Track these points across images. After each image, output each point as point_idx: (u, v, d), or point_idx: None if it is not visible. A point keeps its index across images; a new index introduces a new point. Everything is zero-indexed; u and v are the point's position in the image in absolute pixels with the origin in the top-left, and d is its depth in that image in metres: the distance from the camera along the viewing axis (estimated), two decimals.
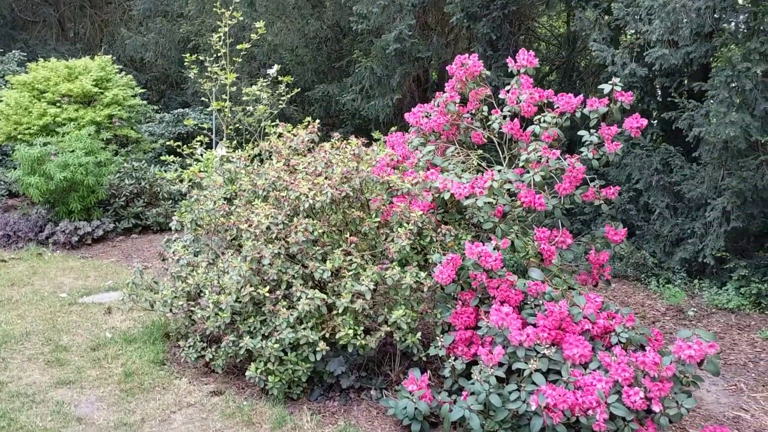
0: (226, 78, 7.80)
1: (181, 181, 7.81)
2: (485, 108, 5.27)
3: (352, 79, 10.95)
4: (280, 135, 5.25)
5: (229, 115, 7.76)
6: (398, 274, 3.84)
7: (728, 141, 5.49)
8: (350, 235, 4.10)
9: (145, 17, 17.80)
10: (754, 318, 5.57)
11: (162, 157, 7.93)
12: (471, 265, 3.79)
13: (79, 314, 5.81)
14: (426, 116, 5.10)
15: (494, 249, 3.80)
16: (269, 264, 4.04)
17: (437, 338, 3.87)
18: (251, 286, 4.12)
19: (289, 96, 8.19)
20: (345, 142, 5.24)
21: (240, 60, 7.90)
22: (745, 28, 5.52)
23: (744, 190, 5.70)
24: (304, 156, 5.03)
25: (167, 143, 12.72)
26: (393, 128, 5.60)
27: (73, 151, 8.75)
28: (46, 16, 23.43)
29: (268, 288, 4.01)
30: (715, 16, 5.34)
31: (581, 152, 4.35)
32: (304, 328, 3.88)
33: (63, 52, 18.50)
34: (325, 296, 3.87)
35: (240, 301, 4.14)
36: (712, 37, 5.93)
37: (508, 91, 4.67)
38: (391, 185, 4.20)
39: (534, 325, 3.63)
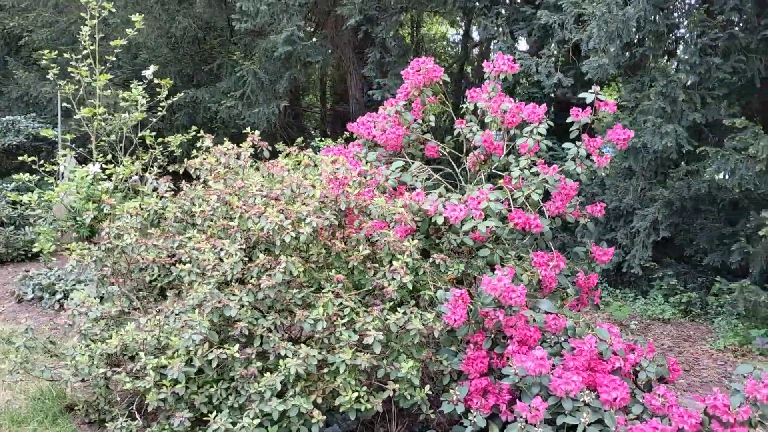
0: (95, 80, 6.52)
1: (47, 206, 6.43)
2: (431, 117, 4.79)
3: (226, 84, 9.95)
4: (207, 149, 4.32)
5: (102, 123, 6.49)
6: (403, 319, 3.19)
7: (663, 151, 5.51)
8: (335, 272, 3.37)
9: None
10: (688, 327, 5.64)
11: (16, 176, 6.46)
12: (490, 302, 3.25)
13: None
14: (382, 130, 4.47)
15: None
16: (237, 315, 3.18)
17: (451, 390, 3.27)
18: (210, 344, 3.23)
19: (169, 101, 7.08)
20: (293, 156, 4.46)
21: (114, 60, 6.65)
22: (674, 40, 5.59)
23: (673, 200, 5.77)
24: (236, 174, 4.18)
25: None
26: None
27: None
28: None
29: (237, 346, 3.15)
30: (652, 26, 5.32)
31: (563, 167, 4.01)
32: (293, 395, 3.08)
33: None
34: (315, 353, 3.10)
35: (193, 365, 3.22)
36: (638, 47, 5.97)
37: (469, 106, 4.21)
38: (376, 210, 3.52)
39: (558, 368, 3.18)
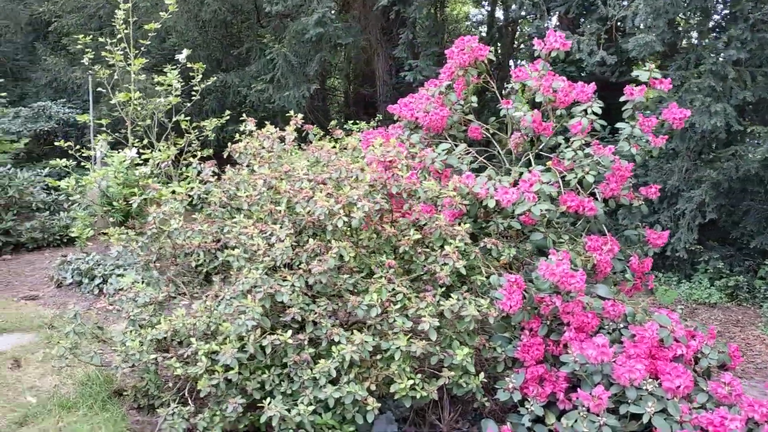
0: (130, 64, 6.49)
1: (83, 191, 6.45)
2: (473, 98, 4.67)
3: (255, 67, 9.89)
4: (251, 133, 4.26)
5: (138, 108, 6.47)
6: (457, 305, 3.12)
7: (712, 131, 5.33)
8: (386, 258, 3.30)
9: None
10: (736, 311, 5.50)
11: (53, 162, 6.49)
12: (547, 288, 3.16)
13: None
14: (425, 112, 4.37)
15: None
16: (289, 301, 3.13)
17: (507, 378, 3.20)
18: (262, 330, 3.19)
19: (203, 85, 7.04)
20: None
21: (148, 43, 6.61)
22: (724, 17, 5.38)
23: (721, 181, 5.60)
24: (279, 158, 4.12)
25: (26, 143, 10.79)
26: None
27: None
28: None
29: (290, 332, 3.11)
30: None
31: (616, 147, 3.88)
32: (347, 382, 3.03)
33: None
34: (369, 339, 3.05)
35: (245, 351, 3.19)
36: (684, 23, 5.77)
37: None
38: (426, 194, 3.44)
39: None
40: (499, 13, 13.09)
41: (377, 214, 3.38)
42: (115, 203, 6.71)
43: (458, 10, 17.85)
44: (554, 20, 9.57)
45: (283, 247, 3.20)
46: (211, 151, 7.20)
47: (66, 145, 6.35)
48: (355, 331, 3.10)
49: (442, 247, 3.34)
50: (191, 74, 6.91)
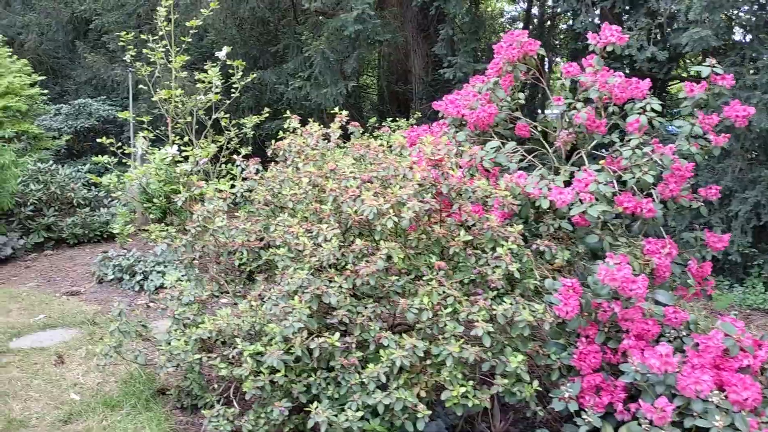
0: (171, 61, 6.49)
1: (123, 188, 6.48)
2: (520, 95, 4.53)
3: (293, 65, 9.86)
4: (294, 130, 4.20)
5: (180, 105, 6.47)
6: (511, 310, 3.00)
7: None
8: (436, 259, 3.19)
9: None
10: None
11: (95, 159, 6.53)
12: (606, 293, 3.02)
13: (21, 367, 4.45)
14: (471, 108, 4.26)
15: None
16: (336, 303, 3.05)
17: (562, 387, 3.07)
18: (308, 332, 3.12)
19: (243, 83, 7.02)
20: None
21: (189, 40, 6.61)
22: None
23: None
24: (323, 156, 4.04)
25: (67, 140, 10.94)
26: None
27: None
28: None
29: (337, 335, 3.03)
30: None
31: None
32: (396, 388, 2.94)
33: None
34: (420, 344, 2.95)
35: (291, 353, 3.12)
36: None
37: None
38: (477, 193, 3.32)
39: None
40: (535, 10, 12.87)
41: (426, 215, 3.28)
42: (155, 200, 6.74)
43: (492, 7, 17.65)
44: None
45: (331, 248, 3.12)
46: (249, 148, 7.19)
47: (108, 142, 6.38)
48: (404, 335, 3.01)
49: (493, 249, 3.22)
50: (230, 72, 6.89)
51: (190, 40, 6.59)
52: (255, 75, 6.74)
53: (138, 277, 6.23)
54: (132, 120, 7.50)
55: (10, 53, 9.45)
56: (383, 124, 6.73)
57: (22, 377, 4.28)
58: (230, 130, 6.67)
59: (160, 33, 6.47)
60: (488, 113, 4.13)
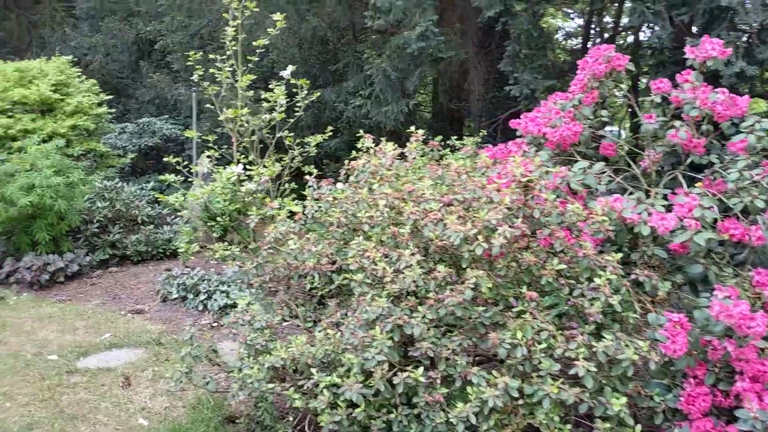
0: (238, 80, 6.48)
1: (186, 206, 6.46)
2: (603, 112, 4.28)
3: (353, 83, 9.80)
4: (368, 150, 4.06)
5: (246, 124, 6.44)
6: (613, 346, 2.75)
7: None
8: (527, 289, 2.97)
9: (89, 16, 15.99)
10: None
11: (163, 177, 6.54)
12: (720, 330, 2.74)
13: (88, 388, 4.40)
14: (552, 126, 4.04)
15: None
16: (419, 334, 2.86)
17: None
18: (390, 365, 2.93)
19: (307, 101, 6.96)
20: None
21: (256, 59, 6.60)
22: None
23: None
24: (397, 177, 3.88)
25: (132, 158, 11.15)
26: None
27: (39, 170, 7.19)
28: None
29: (421, 369, 2.83)
30: None
31: None
32: (487, 430, 2.72)
33: None
34: (513, 383, 2.72)
35: (370, 386, 2.94)
36: None
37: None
38: (572, 218, 3.10)
39: None
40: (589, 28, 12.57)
41: (515, 241, 3.07)
42: (219, 219, 6.72)
43: (548, 24, 17.39)
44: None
45: (415, 275, 2.93)
46: (312, 167, 7.11)
47: (174, 160, 6.39)
48: (493, 372, 2.79)
49: (589, 279, 2.98)
50: (294, 90, 6.85)
51: (256, 59, 6.57)
52: (317, 94, 6.65)
53: (202, 297, 6.18)
54: (197, 139, 7.54)
55: (79, 73, 9.69)
56: (447, 143, 6.56)
57: (89, 399, 4.23)
58: (294, 149, 6.61)
59: (228, 52, 6.48)
60: (573, 132, 3.91)
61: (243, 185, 6.12)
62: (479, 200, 3.22)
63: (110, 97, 9.76)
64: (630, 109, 6.85)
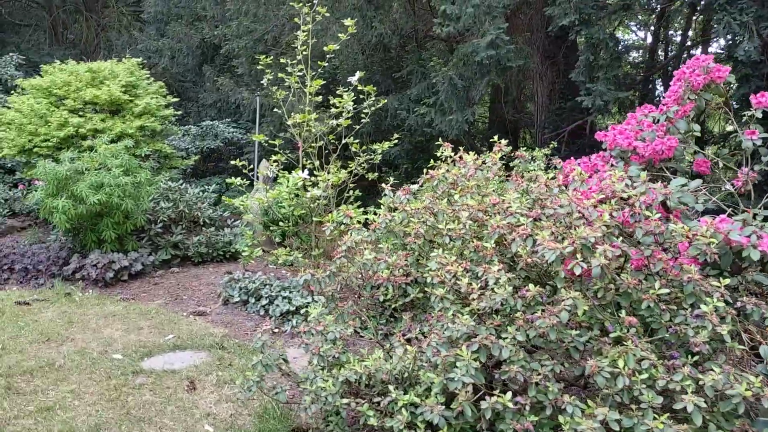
0: (309, 85, 6.46)
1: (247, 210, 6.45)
2: (695, 126, 4.03)
3: (417, 90, 9.70)
4: (446, 159, 3.92)
5: (313, 130, 6.40)
6: (721, 380, 2.52)
7: None
8: (625, 313, 2.77)
9: (156, 20, 16.39)
10: None
11: (229, 180, 6.56)
12: None
13: (154, 390, 4.38)
14: (642, 140, 3.83)
15: None
16: (507, 357, 2.69)
17: None
18: (474, 387, 2.77)
19: (373, 108, 6.89)
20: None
21: (326, 65, 6.56)
22: None
23: None
24: (478, 187, 3.72)
25: (195, 160, 11.32)
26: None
27: (109, 169, 7.31)
28: (38, 19, 21.96)
29: (509, 394, 2.66)
30: None
31: None
32: None
33: (59, 58, 17.01)
34: (614, 415, 2.52)
35: (452, 408, 2.78)
36: None
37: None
38: (676, 238, 2.88)
39: None
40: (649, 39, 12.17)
41: (615, 261, 2.88)
42: (281, 223, 6.69)
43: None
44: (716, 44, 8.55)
45: (505, 293, 2.77)
46: (376, 174, 7.02)
47: (240, 164, 6.40)
48: (589, 402, 2.60)
49: (692, 305, 2.76)
50: (360, 96, 6.80)
51: (326, 65, 6.53)
52: (380, 101, 6.56)
53: (263, 301, 6.14)
54: (263, 143, 7.55)
55: (147, 76, 9.87)
56: (516, 153, 6.37)
57: (155, 402, 4.20)
58: (360, 156, 6.53)
59: (297, 57, 6.46)
60: (667, 146, 3.68)
61: (308, 191, 6.07)
62: (570, 216, 3.04)
63: (176, 99, 9.89)
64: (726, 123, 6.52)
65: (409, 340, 3.45)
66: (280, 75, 6.64)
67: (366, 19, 9.37)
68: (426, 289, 3.30)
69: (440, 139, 9.99)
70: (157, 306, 6.51)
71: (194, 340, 5.47)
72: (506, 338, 2.73)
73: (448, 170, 3.67)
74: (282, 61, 6.47)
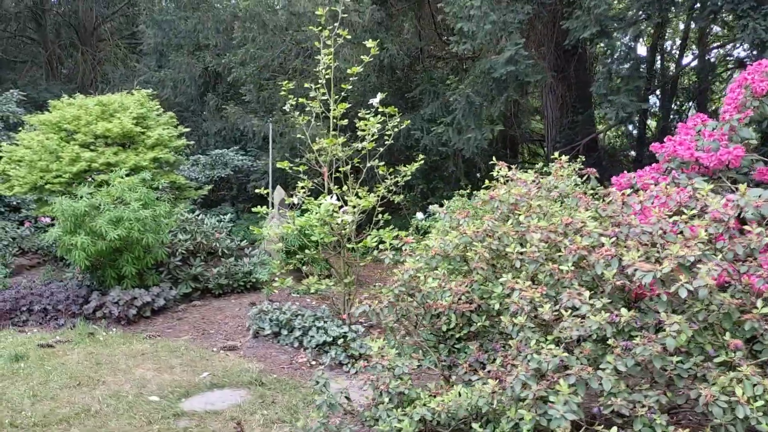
0: (333, 109, 6.32)
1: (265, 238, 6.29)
2: (750, 133, 3.90)
3: (430, 110, 9.60)
4: (506, 178, 3.76)
5: (340, 154, 6.25)
6: None
7: None
8: (730, 336, 2.60)
9: (155, 51, 16.33)
10: None
11: (255, 209, 6.39)
12: None
13: None
14: (705, 150, 3.69)
15: None
16: (608, 388, 2.51)
17: None
18: (574, 424, 2.59)
19: (396, 130, 6.76)
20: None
21: (350, 87, 6.43)
22: None
23: None
24: (539, 207, 3.56)
25: (209, 189, 11.15)
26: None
27: (127, 203, 7.13)
28: (33, 55, 21.93)
29: (615, 429, 2.48)
30: None
31: None
32: None
33: (56, 93, 16.89)
34: None
35: None
36: None
37: None
38: None
39: None
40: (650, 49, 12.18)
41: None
42: (307, 251, 6.51)
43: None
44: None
45: (600, 320, 2.59)
46: (401, 196, 6.87)
47: (265, 192, 6.24)
48: None
49: None
50: (383, 119, 6.67)
51: (350, 87, 6.41)
52: (408, 122, 6.43)
53: (296, 333, 5.93)
54: (270, 169, 7.40)
55: (158, 106, 9.74)
56: (544, 169, 6.24)
57: None
58: (388, 178, 6.39)
59: (320, 81, 6.33)
60: (734, 155, 3.55)
61: (337, 216, 5.91)
62: (652, 234, 2.88)
63: (187, 129, 9.75)
64: None
65: (475, 371, 3.27)
66: (301, 100, 6.51)
67: (379, 40, 9.29)
68: (495, 316, 3.13)
69: (454, 159, 9.78)
70: (185, 342, 6.29)
71: (231, 377, 5.26)
72: (605, 368, 2.55)
73: (508, 190, 3.51)
74: (291, 86, 6.33)
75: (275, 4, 9.71)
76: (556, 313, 2.78)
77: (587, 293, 2.73)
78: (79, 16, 20.90)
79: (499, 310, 3.20)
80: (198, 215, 8.54)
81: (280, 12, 9.35)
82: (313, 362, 5.60)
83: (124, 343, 6.24)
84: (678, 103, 13.22)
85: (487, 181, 4.02)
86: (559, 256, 3.11)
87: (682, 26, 12.74)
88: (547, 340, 2.85)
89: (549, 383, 2.65)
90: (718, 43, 12.84)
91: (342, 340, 5.56)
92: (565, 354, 2.63)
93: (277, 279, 5.99)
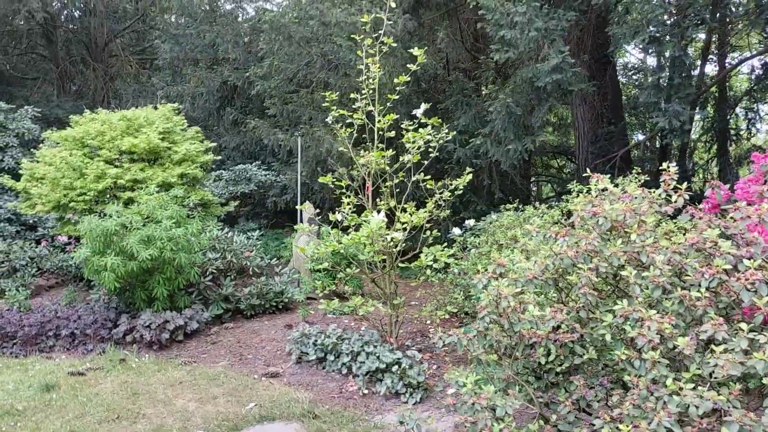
0: (378, 120, 5.99)
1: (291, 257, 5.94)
2: None
3: (464, 121, 9.27)
4: (604, 190, 3.41)
5: (386, 167, 5.92)
6: None
7: None
8: None
9: (170, 66, 16.11)
10: None
11: (298, 226, 6.04)
12: None
13: None
14: None
15: None
16: None
17: None
18: None
19: (443, 142, 6.44)
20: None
21: (396, 97, 6.11)
22: None
23: None
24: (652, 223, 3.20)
25: (235, 205, 10.82)
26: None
27: (158, 221, 6.79)
28: (44, 72, 21.78)
29: None
30: None
31: None
32: None
33: (68, 109, 16.65)
34: None
35: None
36: None
37: None
38: None
39: None
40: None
41: None
42: (349, 269, 6.15)
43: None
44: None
45: (764, 357, 2.23)
46: (448, 212, 6.51)
47: (307, 207, 5.89)
48: None
49: None
50: (431, 130, 6.34)
51: (397, 97, 6.09)
52: (454, 133, 6.09)
53: (344, 359, 5.54)
54: (299, 183, 7.06)
55: (184, 121, 9.44)
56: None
57: None
58: (436, 193, 6.04)
59: (364, 92, 6.01)
60: None
61: (389, 233, 5.56)
62: None
63: (213, 144, 9.43)
64: None
65: (580, 409, 2.91)
66: (341, 111, 6.18)
67: (409, 50, 8.99)
68: (601, 349, 2.76)
69: (489, 171, 9.38)
70: (223, 369, 5.92)
71: (280, 408, 4.88)
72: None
73: (612, 206, 3.15)
74: (335, 97, 6.01)
75: (304, 15, 9.41)
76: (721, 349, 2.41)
77: (746, 326, 2.37)
78: (90, 32, 20.73)
79: (609, 342, 2.83)
80: (227, 233, 8.18)
81: (311, 22, 9.05)
82: (366, 391, 5.22)
83: (158, 370, 5.88)
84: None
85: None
86: (684, 280, 2.75)
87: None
88: (681, 378, 2.48)
89: (697, 430, 2.28)
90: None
91: (396, 366, 5.18)
92: (721, 397, 2.26)
93: (321, 300, 5.62)
